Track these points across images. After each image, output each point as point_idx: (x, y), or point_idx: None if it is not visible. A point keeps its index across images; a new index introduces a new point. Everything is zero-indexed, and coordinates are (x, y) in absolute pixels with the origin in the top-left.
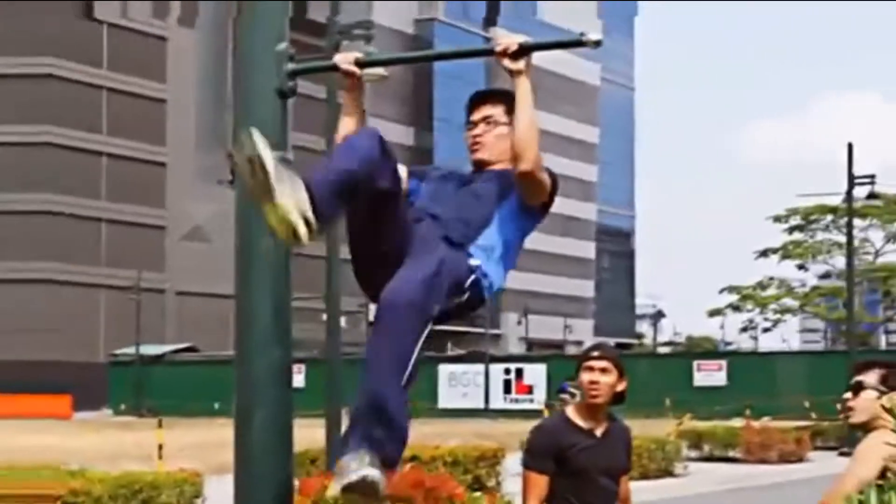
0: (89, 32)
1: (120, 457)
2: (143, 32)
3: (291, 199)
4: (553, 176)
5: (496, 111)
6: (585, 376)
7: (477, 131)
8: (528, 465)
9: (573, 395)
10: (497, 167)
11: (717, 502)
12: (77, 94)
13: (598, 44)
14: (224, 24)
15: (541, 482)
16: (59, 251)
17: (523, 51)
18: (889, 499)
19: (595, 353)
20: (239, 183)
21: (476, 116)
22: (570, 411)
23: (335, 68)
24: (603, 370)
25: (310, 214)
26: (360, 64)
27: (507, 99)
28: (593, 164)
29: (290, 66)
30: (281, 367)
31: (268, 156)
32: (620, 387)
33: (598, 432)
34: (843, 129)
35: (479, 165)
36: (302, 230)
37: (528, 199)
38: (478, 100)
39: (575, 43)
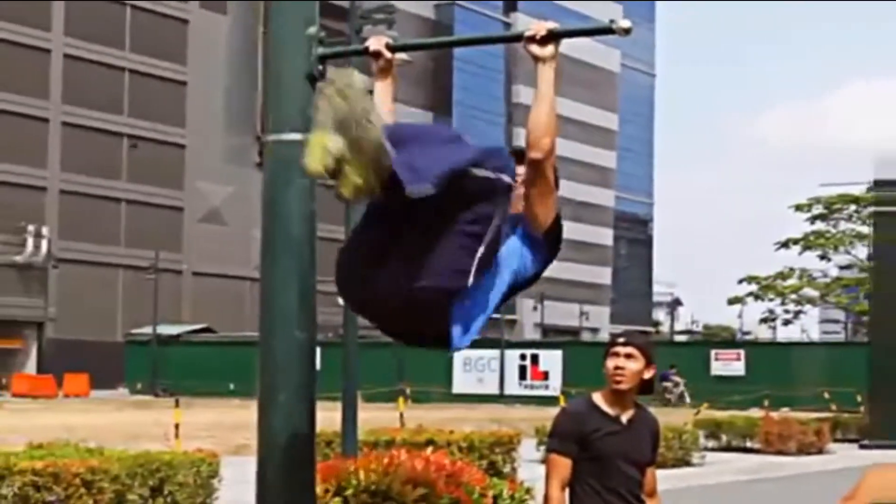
0: (113, 14)
1: (138, 436)
2: (164, 14)
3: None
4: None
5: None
6: (610, 362)
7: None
8: (552, 447)
9: (676, 384)
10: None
11: (734, 493)
12: (98, 76)
13: (628, 31)
14: (255, 8)
15: (564, 465)
16: (79, 231)
17: (552, 37)
18: None
19: (621, 340)
20: (267, 165)
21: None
22: (597, 397)
23: (367, 52)
24: (628, 356)
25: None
26: (390, 48)
27: None
28: (612, 151)
29: (320, 50)
30: (305, 349)
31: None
32: (648, 374)
33: (624, 419)
34: (870, 116)
35: None
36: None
37: (530, 212)
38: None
39: (605, 30)
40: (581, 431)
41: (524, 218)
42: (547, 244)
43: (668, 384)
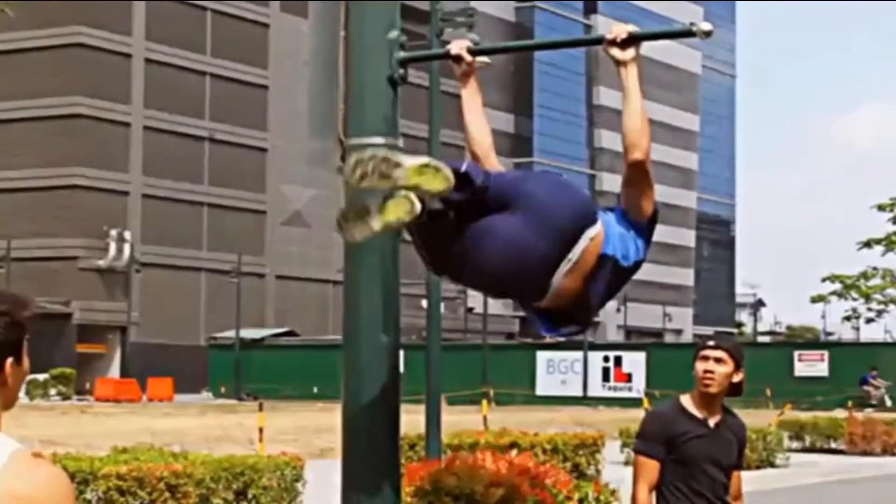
0: (194, 18)
1: (222, 440)
2: (245, 18)
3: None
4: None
5: None
6: (700, 365)
7: None
8: (639, 449)
9: (877, 388)
10: None
11: (819, 494)
12: (180, 80)
13: (708, 34)
14: (336, 11)
15: (651, 467)
16: (162, 235)
17: (632, 40)
18: None
19: (711, 343)
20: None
21: None
22: (685, 400)
23: (448, 56)
24: (718, 360)
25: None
26: (471, 52)
27: None
28: (694, 152)
29: (401, 54)
30: (389, 351)
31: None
32: (737, 378)
33: (712, 423)
34: None
35: None
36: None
37: (634, 205)
38: None
39: (685, 33)
40: (668, 434)
41: (624, 209)
42: (647, 229)
43: (869, 388)
